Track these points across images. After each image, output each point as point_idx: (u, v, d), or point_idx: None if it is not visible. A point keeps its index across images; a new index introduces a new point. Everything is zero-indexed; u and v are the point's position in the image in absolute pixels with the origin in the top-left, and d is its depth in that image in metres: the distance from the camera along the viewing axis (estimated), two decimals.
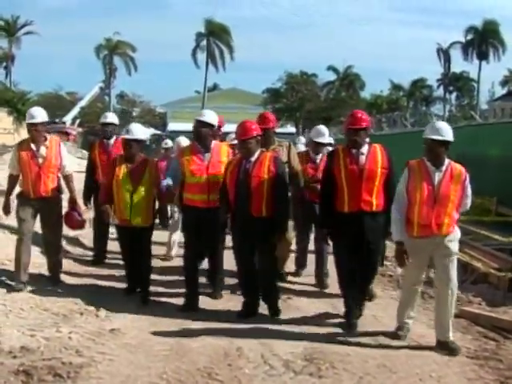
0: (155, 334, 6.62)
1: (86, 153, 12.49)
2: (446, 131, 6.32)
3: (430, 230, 6.36)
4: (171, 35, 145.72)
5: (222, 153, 7.72)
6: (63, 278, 8.67)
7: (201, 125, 7.63)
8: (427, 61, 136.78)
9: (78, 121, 53.21)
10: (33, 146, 8.08)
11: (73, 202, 8.57)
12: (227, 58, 67.45)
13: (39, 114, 8.12)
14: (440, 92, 72.81)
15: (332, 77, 68.99)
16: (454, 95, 74.02)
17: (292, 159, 8.39)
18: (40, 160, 8.08)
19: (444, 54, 70.20)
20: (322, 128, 9.26)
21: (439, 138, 6.27)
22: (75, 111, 53.12)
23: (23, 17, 70.04)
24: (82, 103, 54.69)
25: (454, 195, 6.32)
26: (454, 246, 6.49)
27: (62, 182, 8.48)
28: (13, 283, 7.95)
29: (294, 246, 9.36)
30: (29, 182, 8.09)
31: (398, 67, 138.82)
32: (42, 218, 8.30)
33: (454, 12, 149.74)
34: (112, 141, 10.00)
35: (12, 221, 9.25)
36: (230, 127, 10.18)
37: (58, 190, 8.32)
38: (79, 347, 6.05)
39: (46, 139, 8.17)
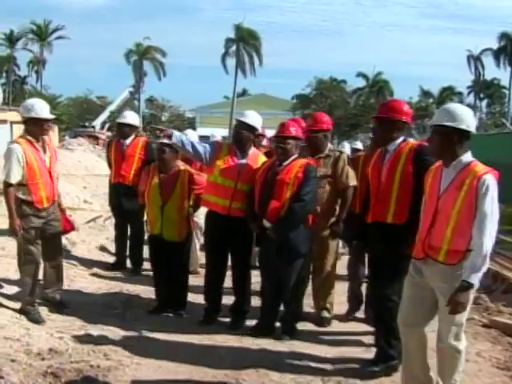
0: (181, 339, 6.59)
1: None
2: (457, 115, 4.83)
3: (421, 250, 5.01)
4: (200, 40, 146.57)
5: (258, 162, 7.12)
6: (93, 282, 8.69)
7: (242, 126, 7.11)
8: (457, 67, 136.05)
9: (107, 125, 53.47)
10: (37, 145, 7.00)
11: (60, 202, 7.56)
12: (256, 63, 67.62)
13: (48, 109, 7.10)
14: (470, 99, 72.41)
15: (361, 83, 68.90)
16: (484, 102, 73.48)
17: (339, 172, 7.23)
18: (47, 161, 7.09)
19: (475, 61, 69.80)
20: None
21: (444, 123, 4.83)
22: (105, 115, 53.41)
23: (55, 22, 71.07)
24: (112, 107, 54.88)
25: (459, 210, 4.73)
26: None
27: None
28: (31, 317, 6.92)
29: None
30: (41, 189, 6.97)
31: (427, 74, 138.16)
32: (48, 228, 7.18)
33: (485, 18, 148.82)
34: (129, 141, 9.79)
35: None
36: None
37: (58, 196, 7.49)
38: (107, 350, 6.05)
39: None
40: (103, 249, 11.02)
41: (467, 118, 4.84)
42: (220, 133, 28.06)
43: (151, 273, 9.13)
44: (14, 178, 6.81)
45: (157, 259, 7.68)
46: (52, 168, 7.14)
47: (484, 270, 4.61)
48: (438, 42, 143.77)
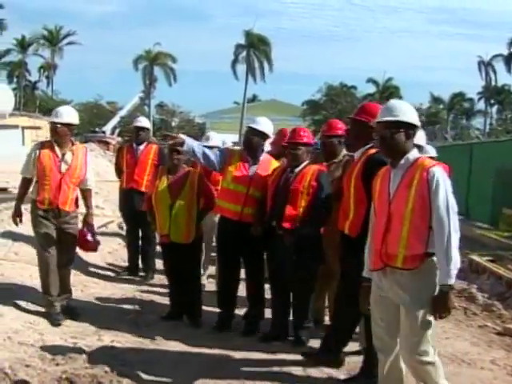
0: (195, 345, 6.57)
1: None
2: (398, 109, 4.63)
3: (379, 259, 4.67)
4: (210, 46, 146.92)
5: (270, 168, 7.13)
6: (106, 287, 8.71)
7: (253, 133, 7.10)
8: (467, 73, 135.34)
9: (117, 130, 53.56)
10: (57, 149, 7.13)
11: (88, 220, 7.53)
12: (266, 69, 67.64)
13: (69, 114, 7.23)
14: (481, 105, 72.21)
15: (372, 89, 68.83)
16: (495, 108, 73.17)
17: None
18: (63, 166, 7.13)
19: (485, 67, 69.63)
20: None
21: (385, 119, 4.60)
22: (115, 121, 53.45)
23: (66, 27, 71.43)
24: (123, 113, 54.95)
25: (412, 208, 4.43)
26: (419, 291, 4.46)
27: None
28: (51, 317, 7.08)
29: None
30: (46, 190, 7.10)
31: (437, 80, 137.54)
32: (61, 234, 7.20)
33: (495, 24, 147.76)
34: (142, 146, 9.82)
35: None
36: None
37: (76, 204, 7.43)
38: (121, 357, 6.05)
39: (72, 144, 7.30)
40: (115, 255, 11.05)
41: (407, 111, 4.62)
42: (230, 138, 28.08)
43: (164, 278, 9.20)
44: (24, 172, 7.32)
45: (169, 265, 7.65)
46: (68, 176, 7.16)
47: (458, 264, 4.33)
48: (448, 48, 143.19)
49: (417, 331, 4.42)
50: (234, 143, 22.16)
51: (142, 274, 9.88)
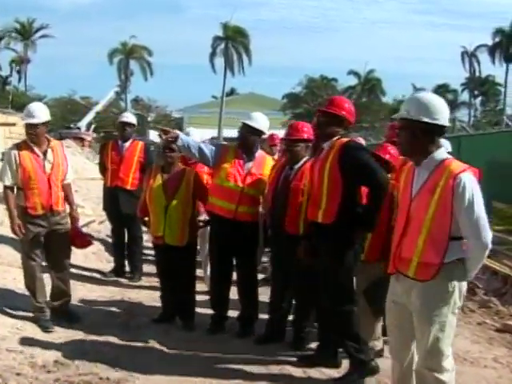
0: (189, 348, 6.53)
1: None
2: (429, 106, 4.33)
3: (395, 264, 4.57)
4: (187, 39, 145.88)
5: (265, 165, 7.09)
6: (93, 290, 8.63)
7: (248, 130, 7.01)
8: (451, 64, 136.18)
9: (93, 126, 53.26)
10: (36, 149, 6.96)
11: (75, 215, 7.39)
12: (245, 61, 67.56)
13: (44, 111, 7.03)
14: (465, 96, 72.51)
15: (353, 81, 68.91)
16: (479, 100, 73.49)
17: None
18: (47, 166, 7.00)
19: (469, 58, 69.92)
20: None
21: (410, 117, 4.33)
22: (90, 116, 53.06)
23: (39, 20, 70.81)
24: (98, 108, 54.61)
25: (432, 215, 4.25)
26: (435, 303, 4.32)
27: None
28: (40, 323, 6.97)
29: None
30: (36, 194, 6.93)
31: (420, 71, 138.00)
32: (52, 237, 7.11)
33: (479, 14, 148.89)
34: (128, 143, 9.74)
35: None
36: None
37: (64, 202, 7.30)
38: (114, 361, 5.98)
39: (49, 141, 7.10)
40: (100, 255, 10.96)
41: (443, 111, 4.36)
42: (209, 133, 28.01)
43: (152, 279, 9.13)
44: (8, 180, 6.98)
45: (162, 267, 7.55)
46: (54, 175, 7.05)
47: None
48: (432, 39, 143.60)
49: (429, 342, 4.29)
50: (213, 138, 22.03)
51: (128, 275, 9.80)
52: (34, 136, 6.96)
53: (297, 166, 6.62)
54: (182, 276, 7.30)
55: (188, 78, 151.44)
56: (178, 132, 6.94)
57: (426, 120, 4.28)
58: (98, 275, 9.75)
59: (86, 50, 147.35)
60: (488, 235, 4.18)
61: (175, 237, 7.18)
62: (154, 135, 43.70)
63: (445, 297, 4.27)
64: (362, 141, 11.26)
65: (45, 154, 7.02)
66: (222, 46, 66.76)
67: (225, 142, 9.91)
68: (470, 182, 4.15)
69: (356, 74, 68.58)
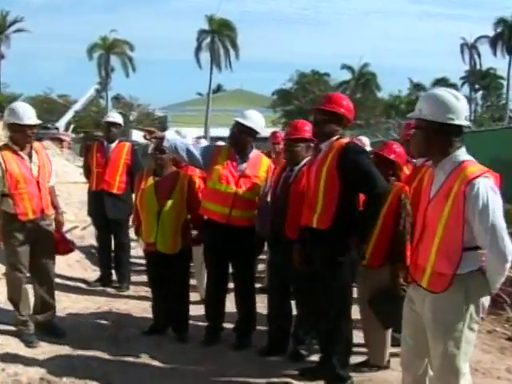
0: (183, 361, 6.51)
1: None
2: (447, 104, 4.24)
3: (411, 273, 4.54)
4: (171, 33, 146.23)
5: (260, 166, 7.04)
6: (78, 301, 8.56)
7: (242, 129, 6.93)
8: (450, 57, 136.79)
9: (71, 126, 53.11)
10: (22, 153, 6.87)
11: (60, 219, 7.32)
12: (232, 56, 67.56)
13: (34, 112, 6.94)
14: (465, 91, 72.47)
15: (347, 76, 68.97)
16: (479, 94, 73.50)
17: None
18: (34, 169, 6.94)
19: (469, 50, 69.97)
20: None
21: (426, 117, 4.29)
22: (69, 116, 52.82)
23: (13, 13, 70.35)
24: (77, 107, 54.41)
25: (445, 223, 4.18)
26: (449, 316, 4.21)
27: None
28: (24, 338, 6.88)
29: None
30: (25, 200, 6.82)
31: (417, 65, 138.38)
32: (38, 243, 7.00)
33: (480, 3, 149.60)
34: (114, 144, 9.69)
35: None
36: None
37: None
38: (104, 377, 5.95)
39: (31, 143, 7.00)
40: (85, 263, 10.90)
41: (458, 109, 4.25)
42: (194, 133, 27.93)
43: (140, 288, 9.08)
44: None
45: (154, 275, 7.50)
46: (41, 178, 6.98)
47: (508, 269, 4.14)
48: (428, 30, 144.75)
49: (443, 359, 4.21)
50: (199, 138, 21.94)
51: (115, 284, 9.75)
52: (22, 137, 6.86)
53: (297, 168, 6.57)
54: (174, 285, 7.23)
55: (172, 74, 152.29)
56: (163, 133, 6.89)
57: (439, 120, 4.21)
58: (82, 285, 9.69)
59: (63, 46, 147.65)
60: (506, 247, 4.03)
61: (168, 244, 7.12)
62: (137, 135, 43.67)
63: (459, 311, 4.16)
64: (366, 141, 11.26)
65: (30, 156, 6.94)
66: (208, 39, 66.79)
67: (220, 143, 9.74)
68: (485, 188, 4.03)
69: (350, 68, 68.64)
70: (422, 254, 4.34)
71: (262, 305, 7.30)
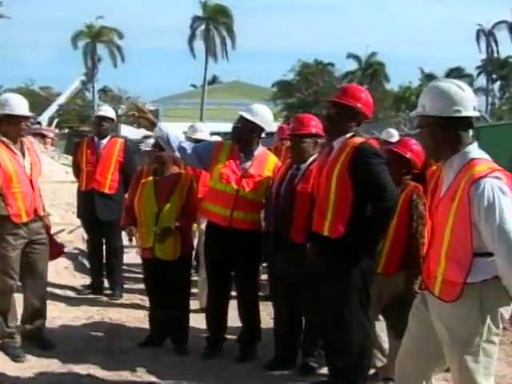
0: (183, 375, 6.50)
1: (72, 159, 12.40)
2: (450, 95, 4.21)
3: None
4: (162, 20, 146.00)
5: (266, 165, 6.96)
6: (67, 310, 8.55)
7: (247, 125, 6.86)
8: (465, 45, 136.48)
9: (55, 121, 53.07)
10: (14, 148, 6.78)
11: (47, 222, 7.25)
12: (229, 45, 67.54)
13: (26, 104, 6.86)
14: (481, 81, 72.27)
15: (353, 66, 69.01)
16: (497, 85, 73.05)
17: None
18: (27, 166, 6.85)
19: (486, 37, 69.76)
20: None
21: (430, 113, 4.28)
22: (52, 109, 52.70)
23: None
24: (61, 100, 54.30)
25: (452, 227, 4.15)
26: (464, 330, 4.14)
27: None
28: (9, 351, 6.83)
29: None
30: (18, 200, 6.71)
31: (429, 54, 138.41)
32: (30, 248, 6.95)
33: None
34: (105, 140, 9.70)
35: None
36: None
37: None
38: None
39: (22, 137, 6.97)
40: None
41: (463, 99, 4.21)
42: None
43: (134, 295, 9.07)
44: None
45: (152, 283, 7.49)
46: (35, 175, 6.92)
47: None
48: (442, 16, 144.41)
49: (462, 375, 4.15)
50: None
51: (107, 292, 9.75)
52: (20, 130, 6.83)
53: (304, 166, 6.53)
54: (174, 293, 7.23)
55: (163, 64, 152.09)
56: (155, 119, 6.90)
57: (445, 115, 4.17)
58: (71, 293, 9.70)
59: (45, 34, 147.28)
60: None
61: (167, 250, 7.12)
62: (126, 130, 43.63)
63: (474, 323, 4.08)
64: (395, 134, 11.00)
65: (23, 152, 6.89)
66: (202, 27, 66.76)
67: (215, 138, 9.73)
68: (492, 188, 3.95)
69: (356, 57, 68.72)
70: (432, 259, 4.31)
71: (266, 313, 7.27)
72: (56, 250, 7.47)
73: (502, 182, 4.01)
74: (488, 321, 4.08)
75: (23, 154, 6.88)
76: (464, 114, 4.18)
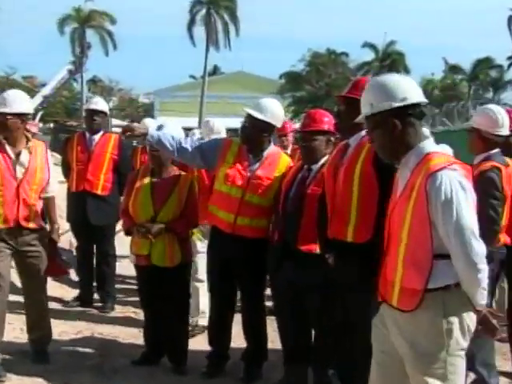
0: None
1: (59, 157, 12.42)
2: (383, 89, 4.38)
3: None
4: (159, 4, 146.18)
5: (277, 166, 6.90)
6: (53, 324, 8.54)
7: (255, 124, 6.81)
8: (495, 33, 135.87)
9: (39, 114, 52.99)
10: (8, 148, 6.85)
11: (54, 238, 7.29)
12: (232, 32, 67.59)
13: (21, 100, 6.99)
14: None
15: (369, 56, 69.00)
16: None
17: None
18: (19, 170, 6.88)
19: None
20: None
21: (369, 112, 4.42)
22: (36, 101, 52.45)
23: None
24: (46, 91, 53.96)
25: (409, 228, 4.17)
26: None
27: None
28: None
29: None
30: None
31: (454, 43, 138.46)
32: (26, 260, 7.06)
33: None
34: (98, 136, 9.69)
35: None
36: (236, 122, 9.51)
37: (42, 218, 7.26)
38: None
39: (28, 141, 7.01)
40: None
41: (405, 87, 4.35)
42: (187, 123, 27.89)
43: (127, 308, 9.09)
44: None
45: (147, 293, 7.48)
46: (27, 182, 6.93)
47: (484, 279, 3.98)
48: (469, 1, 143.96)
49: None
50: (188, 129, 21.89)
51: (98, 304, 9.75)
52: (3, 129, 6.86)
53: (316, 167, 6.47)
54: (171, 304, 7.22)
55: (160, 53, 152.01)
56: (144, 127, 6.89)
57: (394, 106, 4.25)
58: (58, 305, 9.64)
59: (28, 18, 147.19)
60: (475, 252, 3.95)
61: (164, 256, 7.11)
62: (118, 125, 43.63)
63: (438, 335, 4.09)
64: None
65: (18, 155, 6.91)
66: (203, 12, 66.84)
67: (224, 136, 9.65)
68: (450, 181, 3.99)
69: (372, 46, 68.65)
70: (389, 267, 4.29)
71: (273, 329, 7.28)
72: (53, 268, 7.41)
73: (461, 175, 4.06)
74: (454, 333, 4.08)
75: (17, 157, 6.90)
76: (414, 100, 4.28)
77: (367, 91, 4.48)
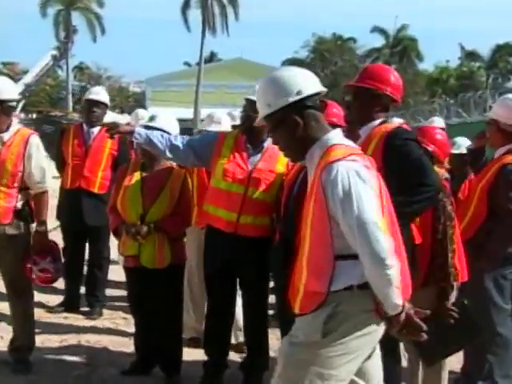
0: None
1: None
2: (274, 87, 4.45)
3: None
4: None
5: (278, 158, 6.75)
6: (38, 332, 8.58)
7: (255, 109, 6.84)
8: None
9: (21, 104, 53.07)
10: None
11: (36, 240, 7.26)
12: (230, 16, 67.61)
13: (3, 87, 6.91)
14: None
15: (379, 42, 69.11)
16: None
17: None
18: None
19: None
20: None
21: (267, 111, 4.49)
22: (18, 90, 52.90)
23: None
24: (28, 79, 54.30)
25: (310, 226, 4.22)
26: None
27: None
28: None
29: None
30: None
31: (471, 27, 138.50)
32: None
33: None
34: (96, 129, 9.58)
35: None
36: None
37: (18, 217, 7.11)
38: None
39: (7, 127, 6.94)
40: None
41: (303, 75, 4.43)
42: (181, 114, 27.89)
43: (116, 314, 9.09)
44: None
45: (137, 297, 7.47)
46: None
47: (396, 276, 3.93)
48: None
49: None
50: (183, 120, 21.91)
51: (84, 309, 9.74)
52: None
53: None
54: (163, 309, 7.18)
55: (152, 38, 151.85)
56: (130, 126, 6.88)
57: (291, 101, 4.27)
58: (41, 310, 9.59)
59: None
60: (380, 246, 3.92)
61: (154, 257, 7.07)
62: (107, 117, 43.71)
63: (314, 335, 4.12)
64: (440, 122, 11.00)
65: None
66: None
67: (220, 129, 9.58)
68: (347, 172, 4.00)
69: (382, 31, 68.79)
70: (297, 272, 4.30)
71: (275, 337, 7.29)
72: (42, 278, 7.44)
73: (360, 165, 4.09)
74: (351, 344, 4.10)
75: None
76: (310, 91, 4.31)
77: (261, 91, 4.55)
